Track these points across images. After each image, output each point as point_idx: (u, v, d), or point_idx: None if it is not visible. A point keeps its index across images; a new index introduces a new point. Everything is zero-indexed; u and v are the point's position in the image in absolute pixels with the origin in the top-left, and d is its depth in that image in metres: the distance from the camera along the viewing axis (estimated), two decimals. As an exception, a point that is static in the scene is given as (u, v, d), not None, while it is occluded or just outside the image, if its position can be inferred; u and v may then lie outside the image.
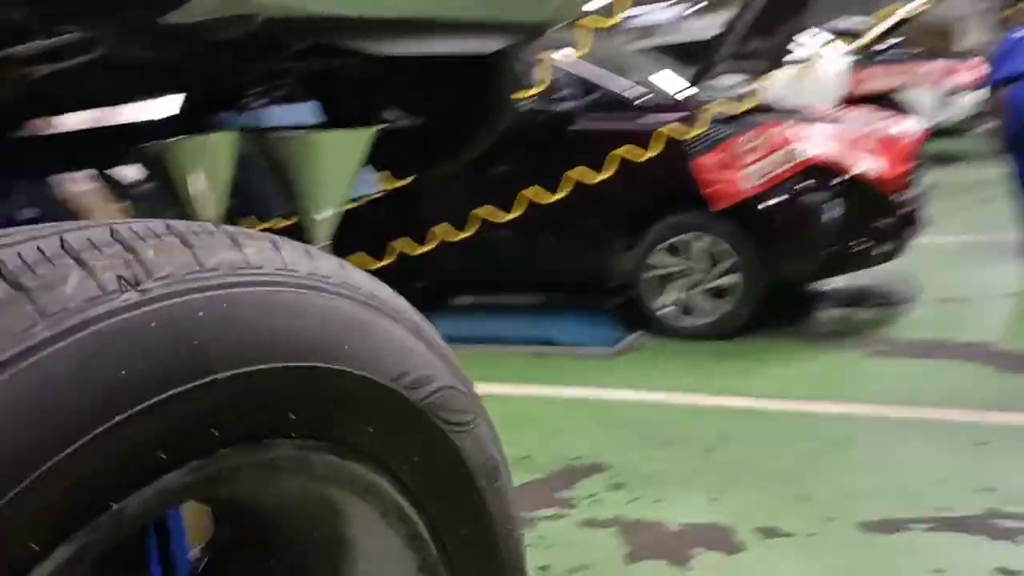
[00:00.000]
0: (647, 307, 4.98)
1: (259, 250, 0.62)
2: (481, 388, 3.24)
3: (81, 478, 0.48)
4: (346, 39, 1.76)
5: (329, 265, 0.65)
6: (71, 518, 0.48)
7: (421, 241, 5.21)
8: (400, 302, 0.69)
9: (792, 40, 5.39)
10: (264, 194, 2.91)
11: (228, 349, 0.56)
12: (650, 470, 3.37)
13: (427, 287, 6.66)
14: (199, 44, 1.65)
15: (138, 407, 0.51)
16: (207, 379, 0.54)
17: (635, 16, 26.15)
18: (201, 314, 0.55)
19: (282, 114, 3.24)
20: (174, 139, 2.33)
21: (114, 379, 0.50)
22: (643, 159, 4.66)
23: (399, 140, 2.96)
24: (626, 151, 4.69)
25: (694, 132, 4.64)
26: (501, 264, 5.44)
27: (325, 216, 2.17)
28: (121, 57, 1.66)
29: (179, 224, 0.61)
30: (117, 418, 0.50)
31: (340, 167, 2.13)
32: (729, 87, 5.59)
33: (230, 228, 0.63)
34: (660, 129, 4.69)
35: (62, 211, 2.89)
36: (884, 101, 9.85)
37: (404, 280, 6.11)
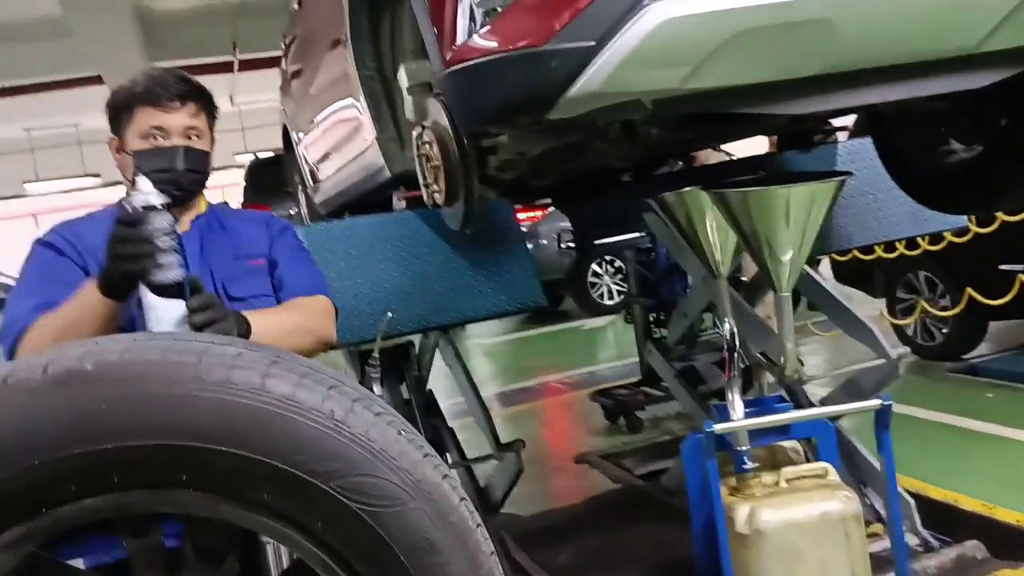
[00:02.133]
0: None
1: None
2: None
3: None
4: (742, 106, 1.82)
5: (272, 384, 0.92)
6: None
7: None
8: (325, 407, 0.92)
9: None
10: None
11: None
12: None
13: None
14: (603, 128, 1.93)
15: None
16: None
17: None
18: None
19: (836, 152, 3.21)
20: (685, 190, 2.60)
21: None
22: None
23: (957, 175, 2.70)
24: None
25: None
26: None
27: (788, 264, 2.19)
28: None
29: None
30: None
31: (802, 219, 2.13)
32: None
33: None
34: None
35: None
36: None
37: None
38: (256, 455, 0.88)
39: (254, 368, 0.91)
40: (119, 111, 1.93)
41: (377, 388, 2.32)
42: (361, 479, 0.91)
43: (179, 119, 1.90)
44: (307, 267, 2.06)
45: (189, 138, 1.91)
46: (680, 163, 4.94)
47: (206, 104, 1.97)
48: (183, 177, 1.91)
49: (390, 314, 2.56)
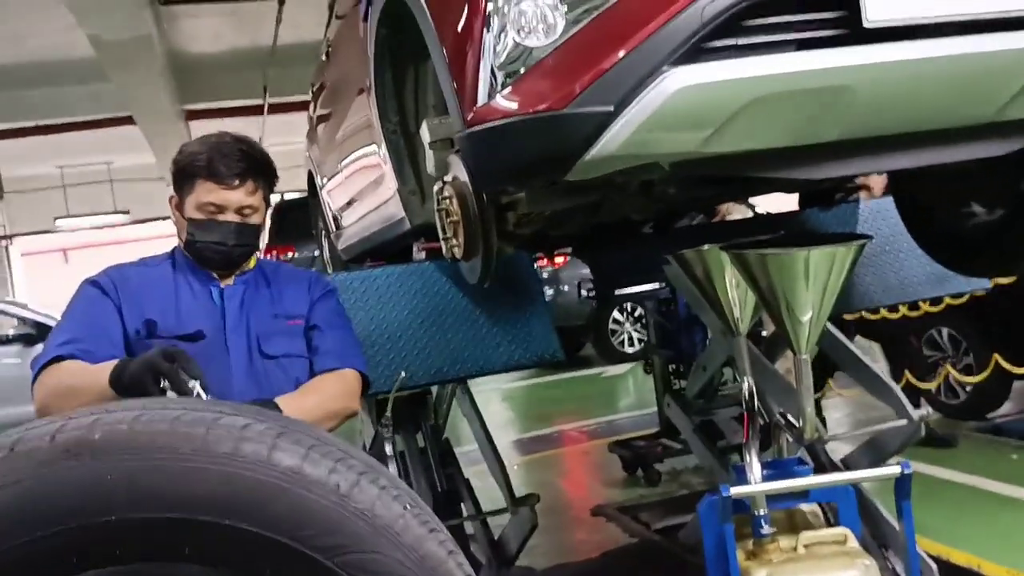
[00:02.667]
0: None
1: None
2: None
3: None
4: (760, 170, 1.82)
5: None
6: None
7: None
8: (331, 481, 0.92)
9: None
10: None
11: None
12: None
13: None
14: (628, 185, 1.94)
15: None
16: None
17: None
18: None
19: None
20: (704, 247, 2.59)
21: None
22: None
23: (977, 237, 2.69)
24: None
25: None
26: None
27: (807, 326, 2.17)
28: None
29: None
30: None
31: (821, 282, 2.11)
32: None
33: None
34: None
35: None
36: None
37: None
38: (260, 529, 0.88)
39: (262, 440, 0.91)
40: (181, 177, 2.00)
41: (389, 448, 2.32)
42: (365, 556, 0.90)
43: (236, 197, 1.96)
44: (341, 336, 2.10)
45: (243, 215, 1.98)
46: (701, 215, 4.94)
47: (265, 178, 2.03)
48: (232, 251, 1.99)
49: (404, 373, 2.57)
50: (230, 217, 1.96)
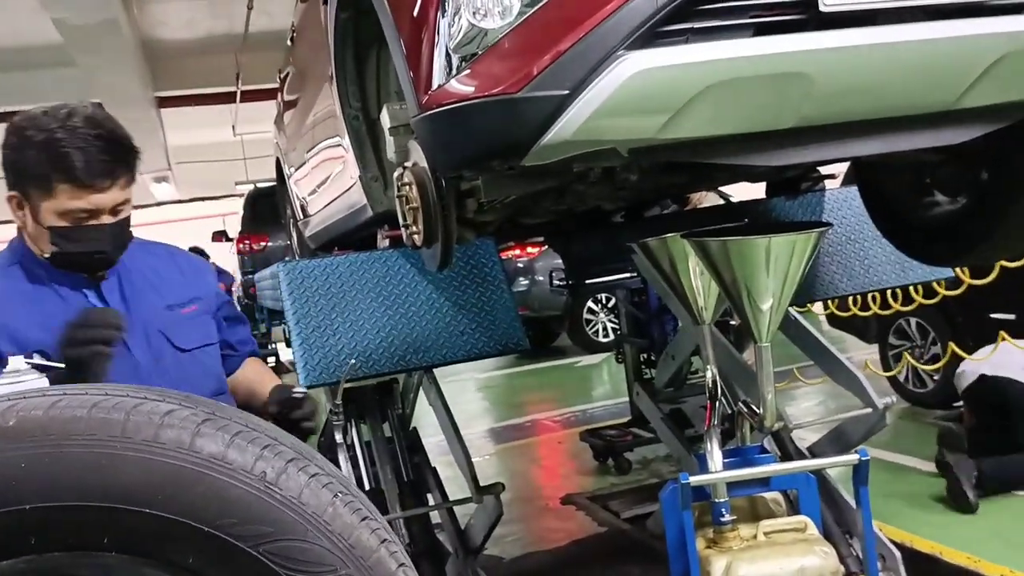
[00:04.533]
0: None
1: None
2: None
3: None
4: (718, 156, 1.80)
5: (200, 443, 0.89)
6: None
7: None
8: (256, 468, 0.89)
9: None
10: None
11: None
12: None
13: None
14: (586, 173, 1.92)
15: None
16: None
17: None
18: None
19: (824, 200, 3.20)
20: (667, 236, 2.58)
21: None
22: None
23: (940, 227, 2.69)
24: None
25: None
26: None
27: (768, 314, 2.16)
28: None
29: None
30: None
31: (782, 270, 2.10)
32: None
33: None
34: None
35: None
36: None
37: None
38: (180, 517, 0.85)
39: (184, 427, 0.89)
40: (26, 176, 1.65)
41: (339, 435, 2.28)
42: (290, 544, 0.88)
43: (109, 197, 1.67)
44: (241, 319, 2.04)
45: (117, 212, 1.70)
46: (673, 205, 4.92)
47: (134, 161, 1.73)
48: (112, 255, 1.74)
49: (353, 361, 2.53)
50: (105, 220, 1.68)
